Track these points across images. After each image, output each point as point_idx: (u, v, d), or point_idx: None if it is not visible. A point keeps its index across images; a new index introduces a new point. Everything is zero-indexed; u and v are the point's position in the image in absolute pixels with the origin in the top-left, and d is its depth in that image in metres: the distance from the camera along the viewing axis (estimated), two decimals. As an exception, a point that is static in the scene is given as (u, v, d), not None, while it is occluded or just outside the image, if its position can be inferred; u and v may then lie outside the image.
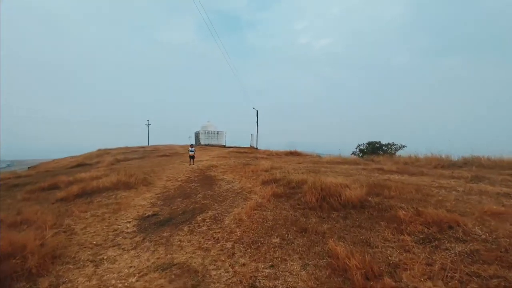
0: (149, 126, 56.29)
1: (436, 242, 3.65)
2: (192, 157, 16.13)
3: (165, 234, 4.54)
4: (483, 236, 3.63)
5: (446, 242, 3.62)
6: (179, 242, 4.17)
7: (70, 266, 3.55)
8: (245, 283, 3.02)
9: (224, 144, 45.65)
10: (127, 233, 4.69)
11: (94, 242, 4.33)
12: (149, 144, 46.43)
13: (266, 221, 4.80)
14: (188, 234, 4.51)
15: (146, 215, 5.77)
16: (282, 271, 3.22)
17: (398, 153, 24.64)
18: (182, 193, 8.02)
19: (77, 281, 3.25)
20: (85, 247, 4.14)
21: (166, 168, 14.25)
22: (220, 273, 3.26)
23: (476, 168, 10.34)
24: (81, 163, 22.17)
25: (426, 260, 3.21)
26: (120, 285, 3.12)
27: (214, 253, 3.77)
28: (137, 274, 3.31)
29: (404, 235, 3.88)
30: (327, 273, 3.11)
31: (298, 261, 3.41)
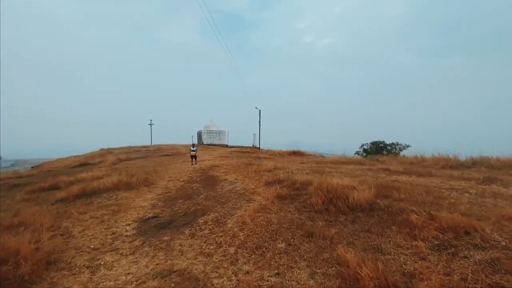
0: (152, 125, 56.28)
1: (453, 249, 3.42)
2: (193, 156, 15.98)
3: (165, 238, 4.35)
4: (503, 243, 3.40)
5: (463, 249, 3.39)
6: (179, 247, 3.98)
7: (65, 272, 3.38)
8: (249, 293, 2.83)
9: (227, 144, 45.51)
10: (126, 237, 4.52)
11: (92, 246, 4.16)
12: (152, 144, 46.43)
13: (271, 224, 4.60)
14: (189, 238, 4.32)
15: (146, 217, 5.59)
16: (288, 280, 3.02)
17: (402, 153, 24.33)
18: (184, 194, 7.84)
19: (72, 289, 3.08)
20: (82, 252, 3.97)
21: (169, 168, 14.10)
22: (222, 282, 3.06)
23: (486, 169, 10.06)
24: (84, 163, 22.10)
25: (443, 269, 2.99)
26: (116, 293, 2.94)
27: (217, 259, 3.57)
28: (134, 282, 3.13)
29: (417, 241, 3.66)
30: (337, 283, 2.90)
31: (306, 269, 3.20)
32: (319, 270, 3.16)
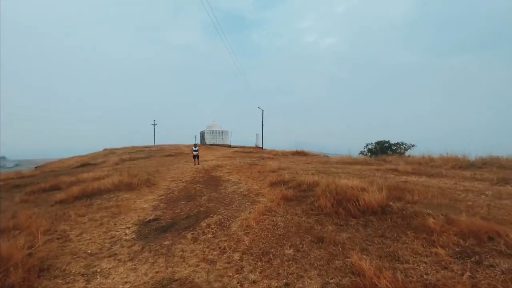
0: (155, 126, 56.31)
1: (477, 256, 3.14)
2: (196, 156, 15.78)
3: (166, 243, 4.12)
4: (531, 250, 3.12)
5: (488, 256, 3.11)
6: (181, 252, 3.75)
7: (59, 280, 3.15)
8: (256, 306, 2.58)
9: (229, 144, 45.38)
10: (125, 241, 4.29)
11: (89, 251, 3.93)
12: (155, 144, 46.41)
13: (277, 228, 4.35)
14: (192, 242, 4.09)
15: (147, 219, 5.37)
16: (299, 291, 2.77)
17: (408, 152, 23.95)
18: (186, 195, 7.62)
19: (65, 299, 2.87)
20: (78, 257, 3.75)
21: (171, 168, 13.92)
22: (227, 292, 2.82)
23: (497, 169, 9.71)
24: (86, 163, 22.04)
25: (469, 280, 2.71)
26: (113, 304, 2.72)
27: (220, 266, 3.33)
28: (132, 292, 2.90)
29: (437, 247, 3.38)
30: (353, 296, 2.64)
31: (317, 279, 2.94)
32: (331, 280, 2.90)
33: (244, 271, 3.18)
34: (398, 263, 3.09)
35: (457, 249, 3.34)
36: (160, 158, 21.87)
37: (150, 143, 47.96)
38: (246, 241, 3.94)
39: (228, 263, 3.39)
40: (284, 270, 3.14)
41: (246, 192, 7.26)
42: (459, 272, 2.89)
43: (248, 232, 4.28)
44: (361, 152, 26.17)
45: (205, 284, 2.97)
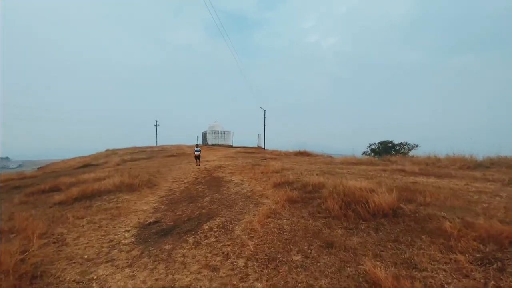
0: (157, 126, 56.29)
1: (499, 263, 2.92)
2: (197, 157, 15.59)
3: (166, 247, 3.92)
4: (557, 256, 2.89)
5: (511, 263, 2.89)
6: (182, 258, 3.54)
7: (52, 288, 2.97)
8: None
9: (231, 144, 45.22)
10: (124, 245, 4.10)
11: (86, 256, 3.74)
12: (157, 144, 46.37)
13: (283, 232, 4.14)
14: (193, 247, 3.88)
15: (147, 222, 5.17)
16: (309, 302, 2.56)
17: (411, 153, 23.66)
18: (188, 196, 7.42)
19: (59, 309, 2.67)
20: (74, 263, 3.55)
21: (173, 169, 13.74)
22: (231, 303, 2.62)
23: (506, 169, 9.44)
24: (88, 164, 21.94)
25: (494, 290, 2.49)
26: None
27: (224, 273, 3.12)
28: (130, 302, 2.70)
29: (455, 253, 3.16)
30: (370, 308, 2.43)
31: (328, 288, 2.73)
32: (344, 290, 2.68)
33: (250, 279, 2.97)
34: (415, 271, 2.86)
35: (477, 255, 3.11)
36: (162, 158, 21.73)
37: (152, 143, 47.91)
38: (251, 246, 3.73)
39: (232, 270, 3.18)
40: (293, 278, 2.92)
41: (250, 194, 7.06)
42: (481, 280, 2.67)
43: (253, 236, 4.07)
44: (364, 153, 25.91)
45: (208, 293, 2.77)
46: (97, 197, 7.38)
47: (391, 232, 3.79)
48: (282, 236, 3.99)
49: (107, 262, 3.55)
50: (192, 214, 5.53)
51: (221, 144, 44.38)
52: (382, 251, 3.34)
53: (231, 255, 3.54)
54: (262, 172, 10.10)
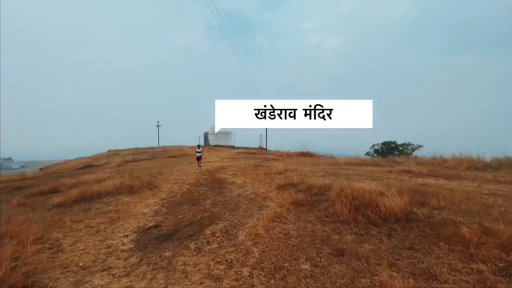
0: (159, 127, 56.23)
1: (525, 273, 2.69)
2: (199, 158, 15.38)
3: (167, 254, 3.71)
4: None
5: (539, 274, 2.65)
6: (183, 266, 3.33)
7: (44, 300, 2.77)
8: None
9: (233, 145, 45.04)
10: (122, 251, 3.89)
11: (81, 264, 3.54)
12: (159, 145, 46.28)
13: (289, 237, 3.92)
14: (195, 254, 3.67)
15: (147, 226, 4.97)
16: (322, 318, 2.33)
17: (415, 153, 23.37)
18: (190, 198, 7.22)
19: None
20: (68, 271, 3.35)
21: (174, 170, 13.56)
22: (236, 318, 2.40)
23: (516, 170, 9.18)
24: (89, 165, 21.83)
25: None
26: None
27: (228, 284, 2.91)
28: (126, 316, 2.50)
29: (477, 262, 2.92)
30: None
31: (342, 302, 2.50)
32: (359, 304, 2.46)
33: (256, 291, 2.75)
34: (436, 283, 2.63)
35: (500, 265, 2.88)
36: (164, 159, 21.57)
37: (154, 144, 47.83)
38: (256, 253, 3.51)
39: (237, 280, 2.96)
40: (302, 290, 2.70)
41: (253, 196, 6.84)
42: (509, 294, 2.44)
43: (257, 242, 3.85)
44: (367, 153, 25.64)
45: (211, 307, 2.55)
46: (96, 199, 7.19)
47: (405, 239, 3.56)
48: (289, 242, 3.77)
49: (103, 270, 3.34)
50: (193, 218, 5.33)
51: (222, 144, 44.21)
52: (398, 259, 3.11)
53: (235, 263, 3.32)
54: (265, 174, 9.88)
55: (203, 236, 4.26)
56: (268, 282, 2.88)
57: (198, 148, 15.93)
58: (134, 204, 6.70)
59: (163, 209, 6.19)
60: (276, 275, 2.99)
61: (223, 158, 19.75)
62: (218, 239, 4.11)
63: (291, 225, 4.38)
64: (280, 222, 4.55)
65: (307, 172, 9.66)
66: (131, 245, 4.11)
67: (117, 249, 3.99)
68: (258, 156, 21.25)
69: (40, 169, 28.93)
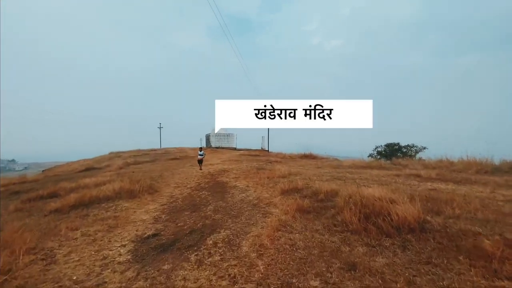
0: (161, 128, 56.23)
1: (558, 293, 2.43)
2: (200, 161, 15.14)
3: (165, 267, 3.48)
4: None
5: None
6: (183, 282, 3.10)
7: (32, 320, 2.55)
8: None
9: (235, 147, 44.87)
10: (118, 264, 3.67)
11: (74, 278, 3.32)
12: (161, 147, 46.18)
13: (296, 249, 3.68)
14: (196, 267, 3.44)
15: (146, 235, 4.75)
16: None
17: (419, 155, 23.06)
18: (191, 203, 7.00)
19: None
20: (60, 286, 3.13)
21: (175, 173, 13.36)
22: None
23: (528, 174, 8.90)
24: (90, 167, 21.67)
25: None
26: None
27: (231, 303, 2.67)
28: None
29: (502, 280, 2.67)
30: None
31: (357, 326, 2.26)
32: (377, 329, 2.22)
33: (261, 312, 2.52)
34: (460, 305, 2.39)
35: (528, 283, 2.62)
36: (165, 161, 21.38)
37: (156, 146, 47.75)
38: (261, 267, 3.28)
39: (241, 298, 2.73)
40: (313, 311, 2.46)
41: (256, 201, 6.60)
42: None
43: (262, 254, 3.62)
44: (370, 155, 25.33)
45: (212, 331, 2.32)
46: (95, 205, 6.99)
47: (421, 252, 3.31)
48: (296, 254, 3.53)
49: (97, 286, 3.12)
50: (194, 226, 5.10)
51: (224, 146, 44.02)
52: (415, 276, 2.86)
53: (239, 278, 3.09)
54: (268, 177, 9.64)
55: (204, 247, 4.03)
56: (275, 301, 2.64)
57: (200, 151, 15.72)
58: (134, 210, 6.48)
59: (163, 216, 5.97)
60: (284, 293, 2.75)
61: (225, 161, 19.53)
62: (220, 250, 3.88)
63: (297, 234, 4.14)
64: (285, 231, 4.32)
65: (312, 175, 9.42)
66: (128, 256, 3.89)
67: (113, 260, 3.77)
68: (260, 159, 21.01)
69: (43, 171, 28.88)
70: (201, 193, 8.25)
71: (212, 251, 3.86)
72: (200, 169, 14.40)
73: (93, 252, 4.06)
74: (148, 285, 3.07)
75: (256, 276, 3.11)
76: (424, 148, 23.60)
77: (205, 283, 3.05)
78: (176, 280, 3.14)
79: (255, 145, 44.28)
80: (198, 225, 5.14)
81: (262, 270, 3.21)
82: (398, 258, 3.23)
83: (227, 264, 3.45)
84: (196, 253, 3.85)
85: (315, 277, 2.99)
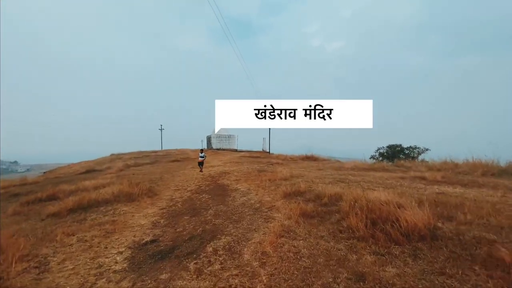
0: (162, 130, 56.23)
1: None
2: (201, 163, 14.99)
3: (163, 277, 3.31)
4: None
5: None
6: (181, 293, 2.93)
7: (19, 336, 2.39)
8: None
9: (236, 148, 44.76)
10: (113, 272, 3.50)
11: (68, 288, 3.17)
12: (162, 148, 46.12)
13: (301, 257, 3.49)
14: (195, 276, 3.27)
15: (144, 241, 4.58)
16: None
17: (421, 157, 22.82)
18: (191, 207, 6.83)
19: None
20: (52, 297, 2.98)
21: (176, 175, 13.21)
22: None
23: (536, 176, 8.69)
24: (91, 169, 21.57)
25: None
26: None
27: (232, 317, 2.50)
28: None
29: (522, 292, 2.49)
30: None
31: None
32: None
33: (264, 328, 2.34)
34: (480, 322, 2.20)
35: (552, 297, 2.43)
36: (166, 163, 21.25)
37: (157, 147, 47.70)
38: (263, 277, 3.10)
39: (242, 312, 2.55)
40: (320, 328, 2.29)
41: (258, 205, 6.43)
42: None
43: (265, 263, 3.44)
44: (372, 157, 25.10)
45: None
46: (93, 208, 6.84)
47: (433, 261, 3.12)
48: (300, 263, 3.35)
49: (91, 297, 2.95)
50: (194, 231, 4.93)
51: (225, 148, 43.91)
52: (429, 288, 2.67)
53: (240, 289, 2.91)
54: (269, 180, 9.47)
55: (204, 254, 3.86)
56: (279, 316, 2.47)
57: (201, 153, 15.58)
58: (132, 214, 6.32)
59: (162, 220, 5.81)
60: (288, 307, 2.57)
61: (226, 162, 19.37)
62: (220, 258, 3.70)
63: (301, 241, 3.96)
64: (289, 237, 4.14)
65: (314, 178, 9.23)
66: (125, 265, 3.72)
67: (109, 269, 3.60)
68: (261, 160, 20.84)
69: (44, 172, 28.83)
70: (201, 196, 8.08)
71: (212, 259, 3.69)
72: (201, 171, 14.24)
73: (88, 260, 3.89)
74: (144, 297, 2.90)
75: (258, 286, 2.93)
76: (427, 149, 23.37)
77: (204, 294, 2.88)
78: (174, 292, 2.97)
79: (256, 146, 44.15)
80: (198, 230, 4.97)
81: (265, 280, 3.03)
82: (410, 268, 3.04)
83: (227, 273, 3.27)
84: (195, 261, 3.67)
85: (321, 288, 2.81)
